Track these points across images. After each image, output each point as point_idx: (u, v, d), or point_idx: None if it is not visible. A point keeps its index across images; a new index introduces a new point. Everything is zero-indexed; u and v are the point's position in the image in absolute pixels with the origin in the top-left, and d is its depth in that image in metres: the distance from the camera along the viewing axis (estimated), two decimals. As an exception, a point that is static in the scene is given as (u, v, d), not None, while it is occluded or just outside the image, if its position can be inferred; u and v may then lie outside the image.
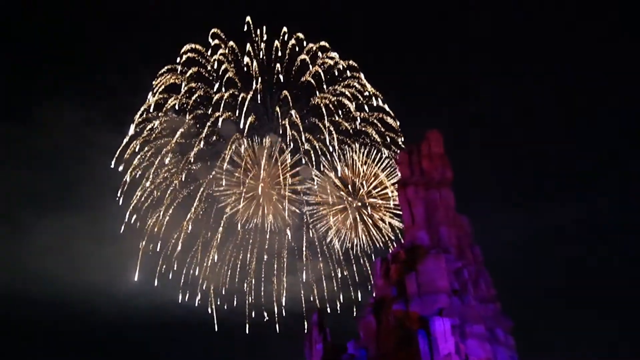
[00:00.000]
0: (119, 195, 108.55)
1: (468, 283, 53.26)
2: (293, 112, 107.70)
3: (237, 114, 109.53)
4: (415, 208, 58.77)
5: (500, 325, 52.12)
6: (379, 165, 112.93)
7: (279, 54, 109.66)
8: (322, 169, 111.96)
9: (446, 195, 59.22)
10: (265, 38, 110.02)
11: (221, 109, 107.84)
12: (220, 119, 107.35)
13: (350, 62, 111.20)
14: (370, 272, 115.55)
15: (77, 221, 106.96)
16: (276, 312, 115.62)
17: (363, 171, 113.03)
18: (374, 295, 58.78)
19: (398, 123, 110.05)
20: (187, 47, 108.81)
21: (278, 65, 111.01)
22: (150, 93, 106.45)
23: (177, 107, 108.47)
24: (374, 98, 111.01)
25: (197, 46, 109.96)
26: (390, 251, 61.03)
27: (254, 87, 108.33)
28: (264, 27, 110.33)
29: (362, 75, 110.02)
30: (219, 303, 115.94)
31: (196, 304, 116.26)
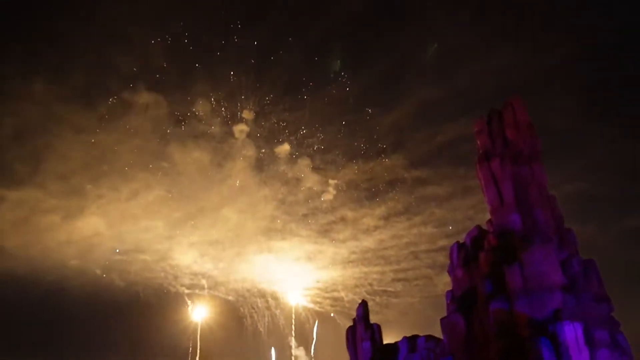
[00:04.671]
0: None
1: (580, 277, 44.03)
2: None
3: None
4: (502, 185, 48.70)
5: (618, 330, 43.29)
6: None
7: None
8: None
9: (538, 172, 49.47)
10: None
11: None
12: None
13: None
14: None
15: (44, 196, 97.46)
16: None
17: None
18: (451, 289, 48.83)
19: None
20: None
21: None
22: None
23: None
24: None
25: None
26: (466, 234, 50.76)
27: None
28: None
29: None
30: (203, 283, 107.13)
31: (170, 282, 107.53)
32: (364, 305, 57.53)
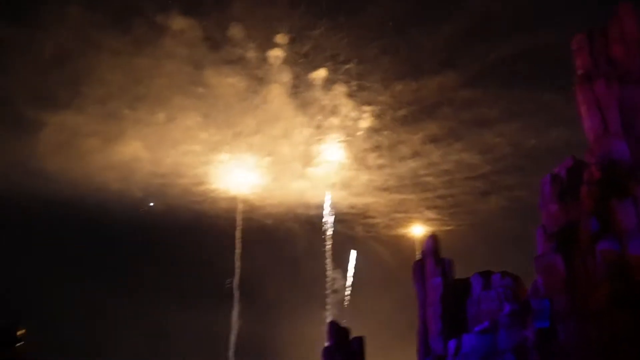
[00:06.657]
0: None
1: (702, 217, 39.05)
2: None
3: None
4: (607, 110, 43.10)
5: None
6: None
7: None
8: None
9: (649, 95, 43.61)
10: None
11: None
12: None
13: None
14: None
15: (84, 120, 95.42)
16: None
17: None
18: (543, 224, 44.30)
19: None
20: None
21: None
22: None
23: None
24: None
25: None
26: (559, 165, 45.67)
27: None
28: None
29: None
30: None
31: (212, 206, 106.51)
32: (433, 238, 53.63)
